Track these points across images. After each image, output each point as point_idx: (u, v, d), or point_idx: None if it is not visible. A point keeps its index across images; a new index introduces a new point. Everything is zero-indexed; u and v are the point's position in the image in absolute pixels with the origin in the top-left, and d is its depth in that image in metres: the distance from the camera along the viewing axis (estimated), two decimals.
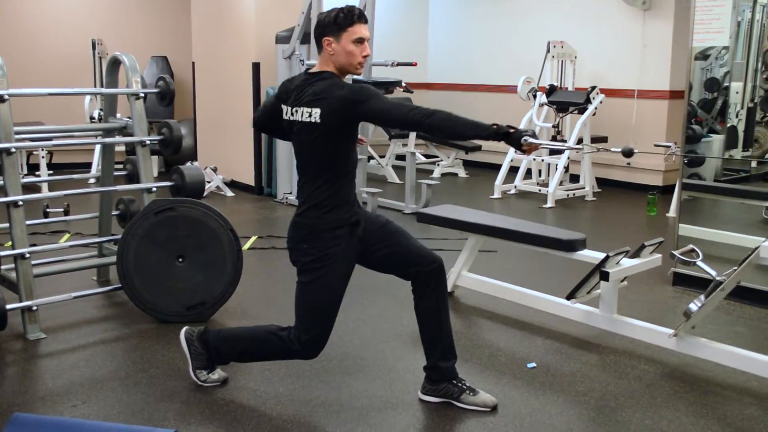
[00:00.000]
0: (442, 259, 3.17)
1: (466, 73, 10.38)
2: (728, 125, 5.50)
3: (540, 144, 2.91)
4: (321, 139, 2.91)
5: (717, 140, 5.48)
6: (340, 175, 2.97)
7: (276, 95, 3.13)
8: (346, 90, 2.87)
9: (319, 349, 3.08)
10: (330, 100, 2.86)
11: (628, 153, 3.17)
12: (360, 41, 2.90)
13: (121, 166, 4.90)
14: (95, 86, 9.04)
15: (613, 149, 3.30)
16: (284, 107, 3.02)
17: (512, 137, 2.85)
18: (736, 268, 3.35)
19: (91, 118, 8.68)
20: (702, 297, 3.39)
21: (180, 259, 4.17)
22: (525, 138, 2.83)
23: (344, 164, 2.98)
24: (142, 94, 4.45)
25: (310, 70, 3.00)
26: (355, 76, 6.28)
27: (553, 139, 8.23)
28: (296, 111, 2.95)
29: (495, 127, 2.84)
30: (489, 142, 2.97)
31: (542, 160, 8.42)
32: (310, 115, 2.89)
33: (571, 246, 4.07)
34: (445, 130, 2.92)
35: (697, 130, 5.28)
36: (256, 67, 7.89)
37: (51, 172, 8.28)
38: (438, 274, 3.14)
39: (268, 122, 3.27)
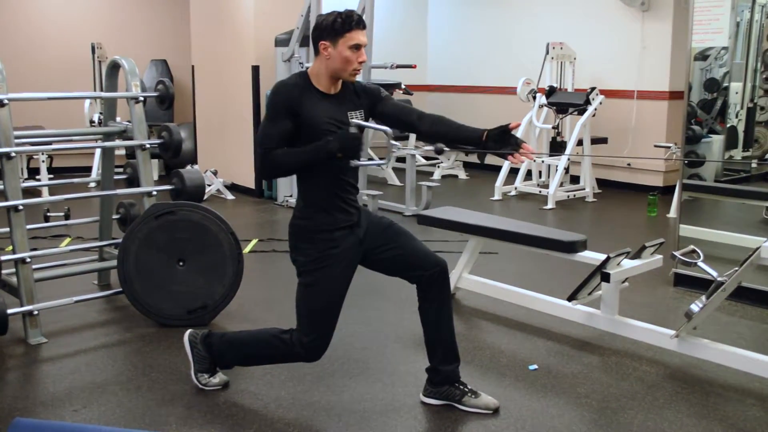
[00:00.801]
0: (446, 262, 3.17)
1: (465, 75, 10.38)
2: (728, 125, 5.50)
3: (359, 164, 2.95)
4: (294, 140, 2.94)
5: (717, 141, 5.48)
6: (327, 178, 2.95)
7: None
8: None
9: (321, 351, 3.08)
10: None
11: (439, 151, 3.04)
12: (357, 47, 2.88)
13: (121, 169, 4.90)
14: (95, 90, 9.04)
15: (425, 147, 3.28)
16: None
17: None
18: (737, 268, 3.34)
19: (91, 122, 8.69)
20: (703, 298, 3.39)
21: (180, 263, 4.17)
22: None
23: (329, 166, 2.92)
24: (142, 98, 4.46)
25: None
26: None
27: (553, 140, 8.23)
28: None
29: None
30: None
31: (542, 162, 8.42)
32: None
33: (572, 247, 4.07)
34: (276, 173, 3.01)
35: (697, 131, 5.28)
36: (255, 70, 7.90)
37: (51, 176, 8.28)
38: (441, 277, 3.13)
39: None
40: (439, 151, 2.99)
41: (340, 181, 2.98)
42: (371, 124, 3.05)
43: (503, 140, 2.98)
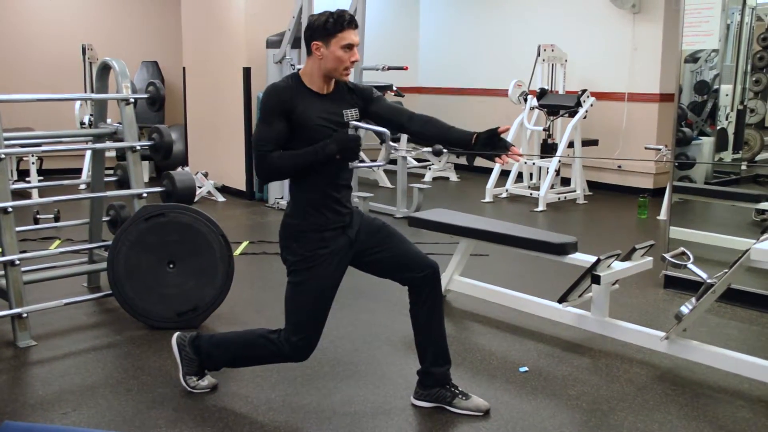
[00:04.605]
0: (437, 264, 3.17)
1: (456, 77, 10.40)
2: (718, 128, 5.52)
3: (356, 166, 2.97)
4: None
5: (707, 143, 5.50)
6: (321, 178, 2.94)
7: None
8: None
9: (309, 351, 3.07)
10: None
11: (437, 152, 3.05)
12: (349, 47, 2.89)
13: (111, 171, 4.89)
14: (85, 91, 9.01)
15: (423, 149, 3.31)
16: None
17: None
18: (726, 270, 3.35)
19: (82, 123, 8.66)
20: (693, 300, 3.40)
21: (171, 265, 4.16)
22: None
23: (325, 167, 2.92)
24: (132, 100, 4.44)
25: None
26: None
27: (544, 142, 8.25)
28: None
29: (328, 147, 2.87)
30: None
31: (533, 164, 8.43)
32: None
33: (563, 249, 4.07)
34: (275, 176, 3.00)
35: (688, 133, 5.30)
36: (246, 71, 7.89)
37: (41, 178, 8.23)
38: (432, 279, 3.13)
39: None
40: (438, 153, 3.00)
41: (334, 182, 2.99)
42: (369, 125, 3.05)
43: (492, 143, 2.99)
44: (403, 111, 3.14)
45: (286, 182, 3.01)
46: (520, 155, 3.03)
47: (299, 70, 3.02)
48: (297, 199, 3.00)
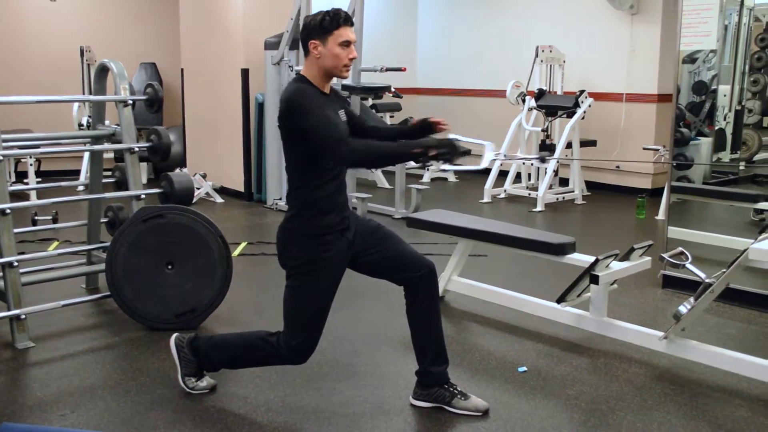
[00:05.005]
0: (434, 264, 3.17)
1: (455, 78, 10.40)
2: (716, 128, 5.52)
3: (453, 169, 2.96)
4: (286, 143, 2.94)
5: (705, 143, 5.50)
6: (320, 180, 2.94)
7: None
8: (282, 99, 2.91)
9: (308, 353, 3.08)
10: (281, 105, 2.91)
11: (542, 159, 3.16)
12: (346, 44, 2.90)
13: (109, 173, 4.88)
14: (83, 93, 9.01)
15: (530, 156, 3.37)
16: None
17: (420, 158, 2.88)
18: (725, 270, 3.35)
19: (80, 125, 8.66)
20: (691, 299, 3.40)
21: (169, 267, 4.15)
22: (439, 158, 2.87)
23: (322, 168, 2.93)
24: (131, 101, 4.44)
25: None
26: (344, 82, 6.30)
27: (542, 143, 8.25)
28: None
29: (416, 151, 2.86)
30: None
31: (531, 164, 8.44)
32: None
33: (561, 249, 4.07)
34: (365, 162, 2.97)
35: (686, 133, 5.30)
36: (245, 73, 7.88)
37: (39, 179, 8.22)
38: (429, 279, 3.13)
39: None
40: (543, 160, 3.07)
41: (340, 183, 3.00)
42: (470, 139, 3.15)
43: (427, 130, 3.20)
44: (362, 116, 3.32)
45: (285, 184, 3.02)
46: (446, 124, 3.19)
47: (298, 72, 3.02)
48: (302, 200, 2.97)
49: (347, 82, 6.36)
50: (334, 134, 2.83)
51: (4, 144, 4.07)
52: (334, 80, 3.08)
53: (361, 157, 2.92)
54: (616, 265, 3.89)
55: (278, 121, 2.92)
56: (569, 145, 7.99)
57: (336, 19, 2.88)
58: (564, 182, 8.43)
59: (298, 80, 2.97)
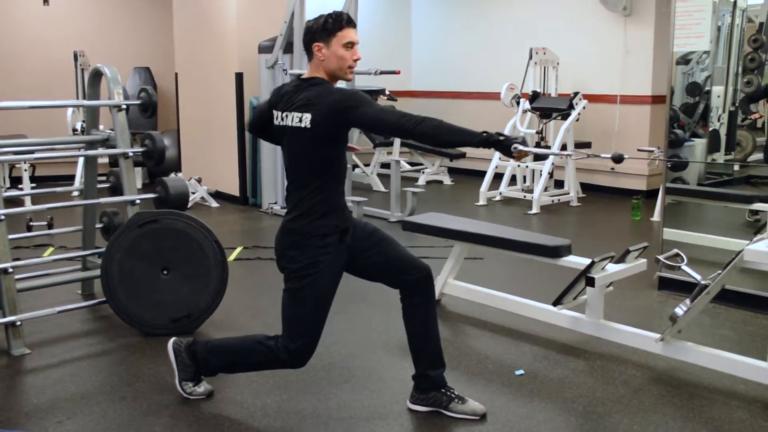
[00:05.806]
0: (430, 267, 3.17)
1: (449, 81, 10.41)
2: (710, 129, 5.53)
3: (530, 151, 2.94)
4: (311, 145, 2.91)
5: (699, 144, 5.51)
6: (330, 182, 2.97)
7: (268, 100, 3.15)
8: (338, 95, 2.88)
9: (306, 357, 3.07)
10: (320, 106, 2.86)
11: (618, 159, 3.17)
12: (350, 45, 2.91)
13: (104, 178, 4.87)
14: (77, 98, 9.00)
15: (602, 155, 3.32)
16: (275, 112, 3.03)
17: (502, 145, 2.86)
18: (720, 271, 3.36)
19: (74, 130, 8.64)
20: (687, 301, 3.40)
21: (165, 272, 4.15)
22: (515, 146, 2.84)
23: (335, 170, 2.98)
24: (125, 106, 4.43)
25: (302, 76, 3.00)
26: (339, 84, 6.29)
27: (537, 145, 8.26)
28: (286, 116, 2.95)
29: (485, 134, 2.84)
30: (475, 149, 2.98)
31: (527, 167, 8.45)
32: (300, 120, 2.89)
33: (557, 252, 4.07)
34: (436, 137, 2.90)
35: (680, 135, 5.31)
36: (239, 77, 7.88)
37: (34, 185, 8.22)
38: (426, 282, 3.13)
39: (261, 126, 3.26)
40: (617, 159, 3.11)
41: (343, 185, 3.03)
42: (535, 149, 3.20)
43: None
44: None
45: (282, 186, 3.01)
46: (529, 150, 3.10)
47: (301, 76, 3.01)
48: (307, 202, 2.96)
49: (342, 84, 6.36)
50: (397, 111, 2.92)
51: None
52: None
53: (433, 126, 2.87)
54: (611, 268, 3.89)
55: (322, 119, 2.85)
56: (564, 147, 8.00)
57: (339, 21, 2.89)
58: (559, 184, 8.44)
59: (325, 81, 2.95)
